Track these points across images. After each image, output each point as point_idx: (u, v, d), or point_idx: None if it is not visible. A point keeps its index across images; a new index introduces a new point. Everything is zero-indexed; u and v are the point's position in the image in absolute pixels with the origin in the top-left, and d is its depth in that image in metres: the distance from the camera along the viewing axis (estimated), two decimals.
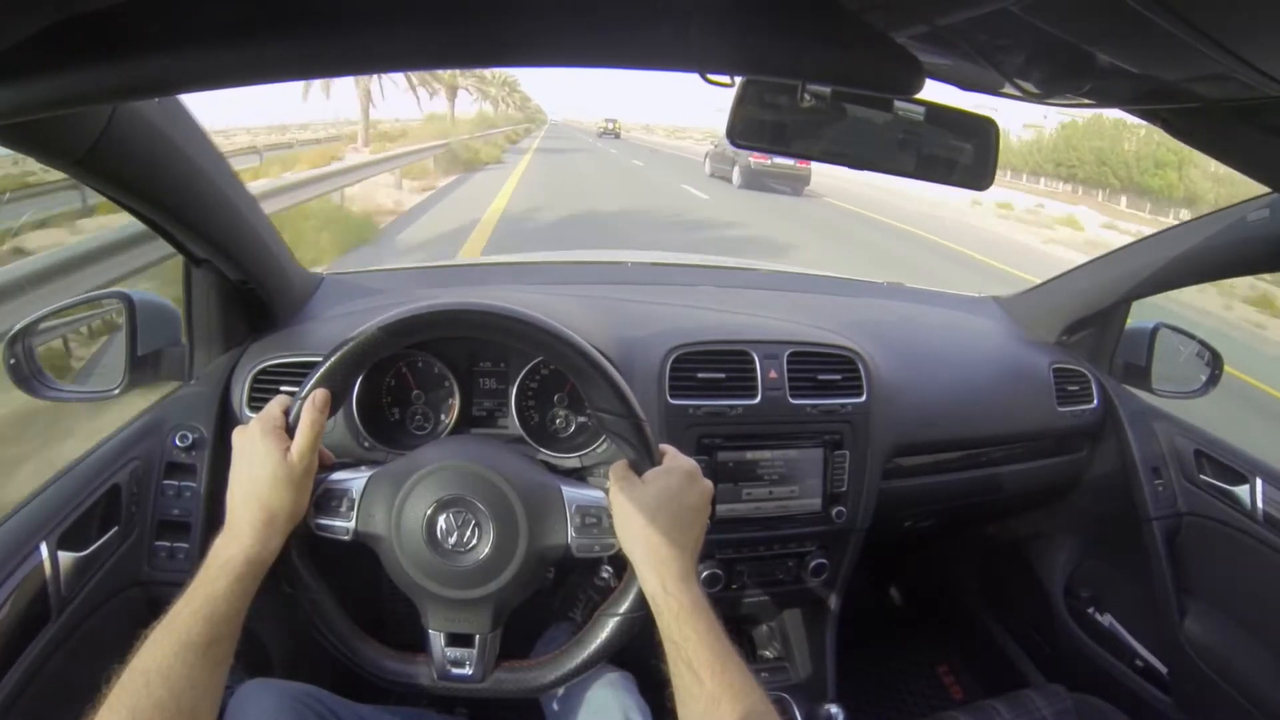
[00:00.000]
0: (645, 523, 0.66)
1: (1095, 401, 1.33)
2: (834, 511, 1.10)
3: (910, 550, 1.71)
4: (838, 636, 1.24)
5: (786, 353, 1.09)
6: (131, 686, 0.53)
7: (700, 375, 1.05)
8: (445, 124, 23.11)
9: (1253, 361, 5.46)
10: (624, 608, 0.71)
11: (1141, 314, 1.35)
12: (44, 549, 0.75)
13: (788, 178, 14.50)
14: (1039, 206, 19.19)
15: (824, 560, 1.15)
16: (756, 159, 13.57)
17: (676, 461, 0.71)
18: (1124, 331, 1.36)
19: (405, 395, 1.00)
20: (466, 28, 0.39)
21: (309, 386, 0.68)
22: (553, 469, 0.83)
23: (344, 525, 0.71)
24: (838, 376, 1.10)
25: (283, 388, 0.95)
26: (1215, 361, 1.29)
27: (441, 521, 0.70)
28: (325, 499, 0.71)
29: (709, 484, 0.71)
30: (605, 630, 0.71)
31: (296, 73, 0.42)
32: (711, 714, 0.58)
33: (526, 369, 0.99)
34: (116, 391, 0.91)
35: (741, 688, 0.59)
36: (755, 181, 14.09)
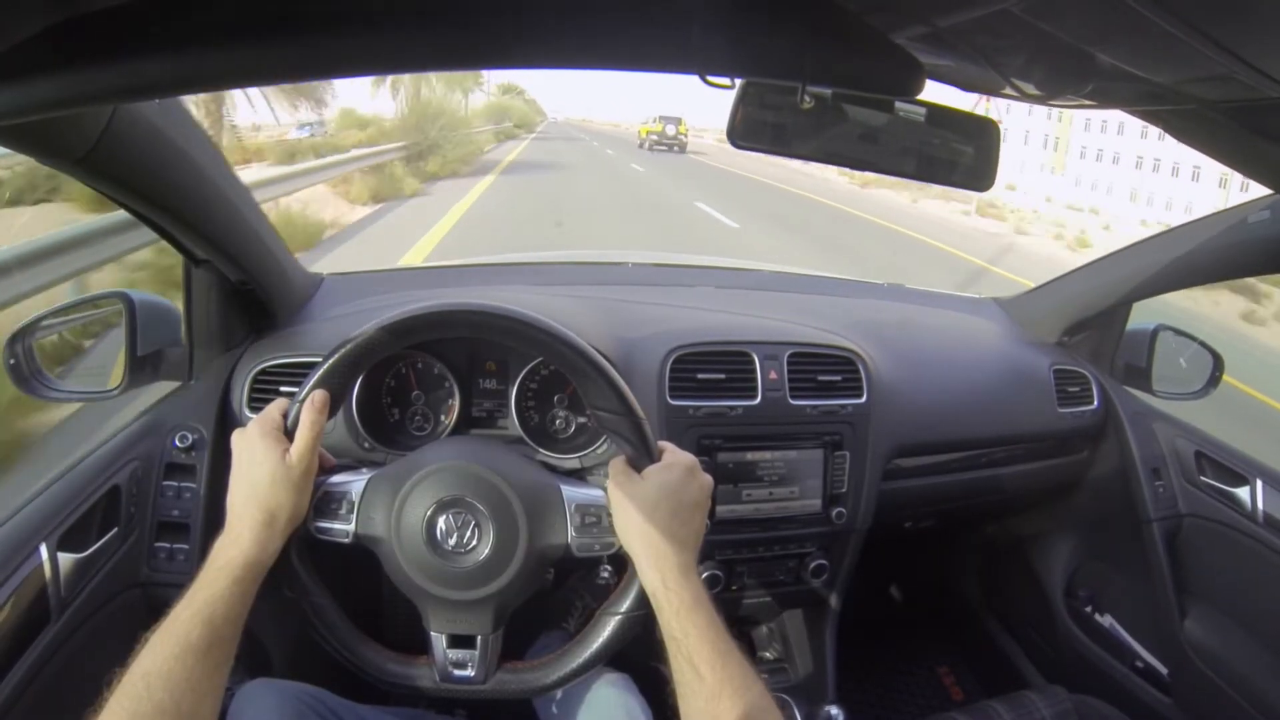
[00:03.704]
0: (644, 518, 0.66)
1: (1096, 403, 1.33)
2: (834, 512, 1.10)
3: (910, 551, 1.71)
4: (838, 637, 1.24)
5: (786, 353, 1.09)
6: (132, 689, 0.53)
7: (700, 376, 1.05)
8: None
9: None
10: (625, 606, 0.71)
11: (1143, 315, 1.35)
12: (44, 550, 0.75)
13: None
14: None
15: (824, 561, 1.15)
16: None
17: (676, 457, 0.71)
18: (1125, 333, 1.36)
19: (405, 396, 0.99)
20: (466, 29, 0.39)
21: (308, 387, 0.68)
22: (552, 469, 0.83)
23: (344, 528, 0.70)
24: (838, 377, 1.10)
25: (283, 388, 0.95)
26: (1216, 363, 1.29)
27: (441, 523, 0.70)
28: (325, 502, 0.70)
29: (709, 479, 0.71)
30: (607, 630, 0.71)
31: (296, 74, 0.42)
32: (713, 709, 0.58)
33: (526, 370, 0.99)
34: (117, 392, 0.91)
35: (742, 682, 0.59)
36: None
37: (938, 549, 1.70)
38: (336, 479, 0.72)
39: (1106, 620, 1.36)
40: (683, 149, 25.59)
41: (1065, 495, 1.42)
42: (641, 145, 25.85)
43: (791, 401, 1.07)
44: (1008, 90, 0.55)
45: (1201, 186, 27.25)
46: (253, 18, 0.39)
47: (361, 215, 8.26)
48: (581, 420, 1.01)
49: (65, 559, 0.77)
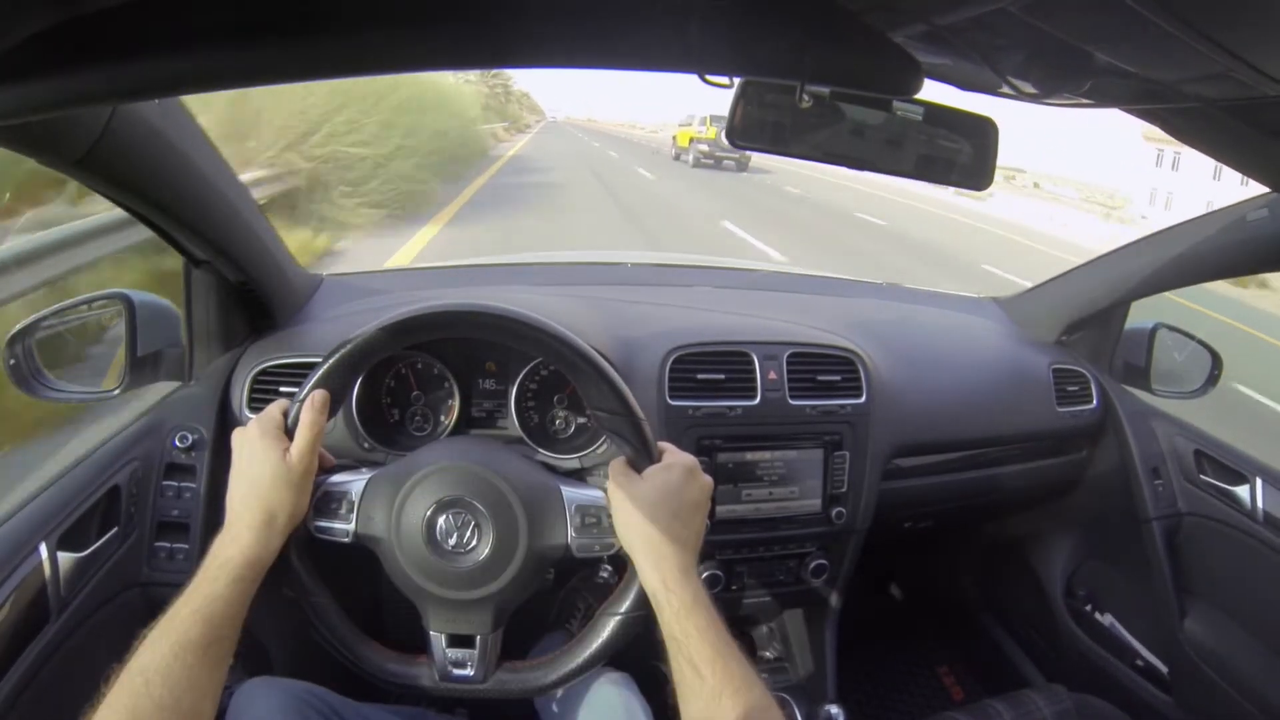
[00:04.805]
0: (645, 518, 0.66)
1: (1095, 402, 1.33)
2: (834, 512, 1.10)
3: (910, 550, 1.71)
4: (838, 637, 1.24)
5: (786, 354, 1.09)
6: (131, 686, 0.53)
7: (700, 376, 1.05)
8: None
9: None
10: (625, 607, 0.71)
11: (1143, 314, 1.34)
12: (44, 549, 0.75)
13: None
14: None
15: (824, 561, 1.15)
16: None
17: (676, 458, 0.71)
18: (1123, 332, 1.36)
19: (405, 396, 1.00)
20: (466, 29, 0.39)
21: (308, 387, 0.68)
22: (552, 470, 0.83)
23: (344, 528, 0.71)
24: (837, 377, 1.10)
25: (282, 388, 0.95)
26: (1214, 362, 1.29)
27: (441, 523, 0.70)
28: (324, 501, 0.71)
29: (708, 479, 0.71)
30: (607, 630, 0.71)
31: (296, 74, 0.42)
32: (713, 709, 0.58)
33: (526, 370, 0.99)
34: (117, 392, 0.91)
35: (743, 682, 0.59)
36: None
37: (937, 549, 1.70)
38: (336, 479, 0.72)
39: (1106, 619, 1.36)
40: (743, 166, 17.45)
41: (1065, 495, 1.42)
42: (678, 157, 18.31)
43: (791, 402, 1.07)
44: (1006, 89, 0.55)
45: None
46: (252, 18, 0.39)
47: None
48: (581, 420, 1.01)
49: (65, 558, 0.77)
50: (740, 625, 1.29)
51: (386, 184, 7.51)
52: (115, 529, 0.86)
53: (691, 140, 17.73)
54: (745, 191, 13.81)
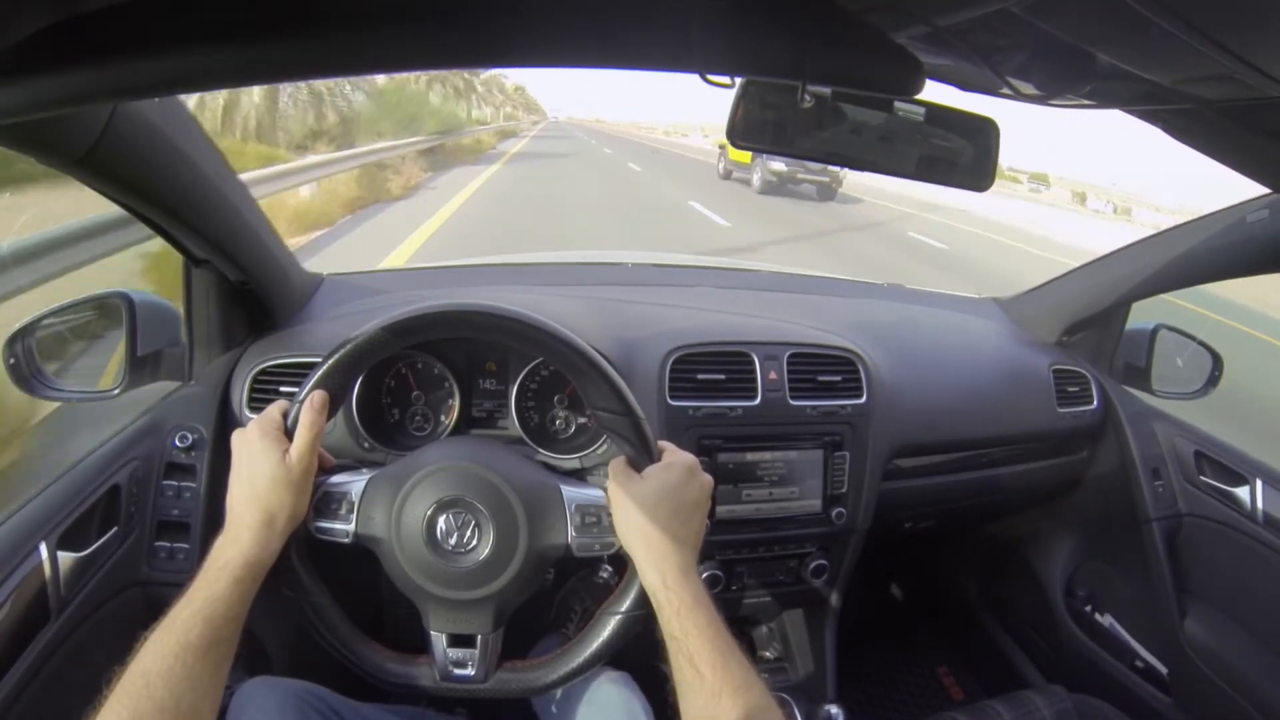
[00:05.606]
0: (645, 517, 0.66)
1: (1095, 403, 1.33)
2: (834, 513, 1.10)
3: (910, 551, 1.71)
4: (837, 637, 1.24)
5: (786, 354, 1.09)
6: (132, 688, 0.53)
7: (700, 376, 1.05)
8: None
9: None
10: (625, 606, 0.71)
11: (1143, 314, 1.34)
12: (44, 549, 0.75)
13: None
14: None
15: (824, 561, 1.15)
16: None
17: (676, 457, 0.71)
18: (1124, 332, 1.36)
19: (405, 396, 1.00)
20: (465, 28, 0.39)
21: (308, 387, 0.68)
22: (552, 469, 0.83)
23: (344, 528, 0.71)
24: (838, 378, 1.10)
25: (282, 388, 0.95)
26: (1215, 363, 1.29)
27: (441, 522, 0.70)
28: (324, 502, 0.71)
29: (709, 479, 0.71)
30: (607, 629, 0.71)
31: (296, 73, 0.42)
32: (713, 709, 0.58)
33: (526, 370, 0.99)
34: (117, 392, 0.91)
35: (743, 682, 0.59)
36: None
37: (937, 549, 1.70)
38: (336, 479, 0.72)
39: (1106, 619, 1.37)
40: (828, 193, 13.18)
41: (1065, 495, 1.42)
42: (729, 175, 13.85)
43: (791, 402, 1.07)
44: (1007, 90, 0.55)
45: None
46: (252, 17, 0.39)
47: None
48: (581, 420, 1.01)
49: (65, 558, 0.77)
50: (740, 625, 1.29)
51: None
52: (115, 528, 0.86)
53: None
54: None
